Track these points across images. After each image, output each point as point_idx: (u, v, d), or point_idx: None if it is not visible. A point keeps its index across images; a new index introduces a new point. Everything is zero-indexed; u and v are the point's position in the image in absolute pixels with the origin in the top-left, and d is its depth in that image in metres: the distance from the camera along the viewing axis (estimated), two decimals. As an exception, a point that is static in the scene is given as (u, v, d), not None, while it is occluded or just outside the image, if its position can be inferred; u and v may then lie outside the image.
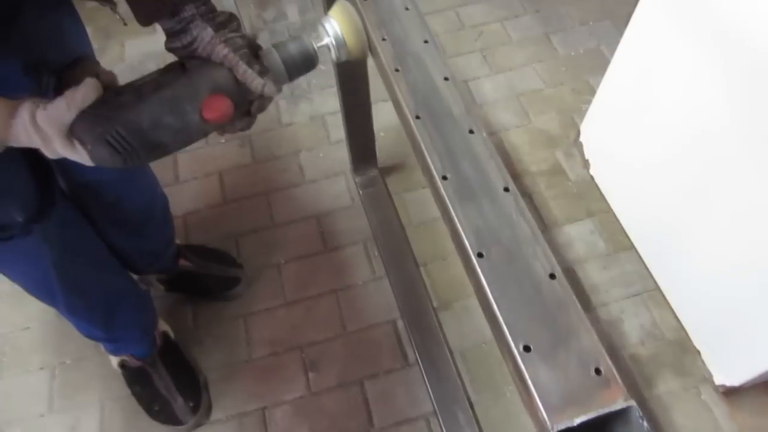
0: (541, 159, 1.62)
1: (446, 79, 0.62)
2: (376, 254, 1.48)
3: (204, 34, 0.59)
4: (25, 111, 0.56)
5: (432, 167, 0.56)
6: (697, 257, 1.20)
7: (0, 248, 0.92)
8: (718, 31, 0.97)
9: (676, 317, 1.33)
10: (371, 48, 0.67)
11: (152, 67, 1.88)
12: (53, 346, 1.39)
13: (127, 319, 1.19)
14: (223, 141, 1.69)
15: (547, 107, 1.73)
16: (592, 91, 1.72)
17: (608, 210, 1.49)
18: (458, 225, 0.52)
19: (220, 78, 0.59)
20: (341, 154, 1.62)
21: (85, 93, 0.57)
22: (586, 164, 1.55)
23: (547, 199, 1.54)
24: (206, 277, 1.40)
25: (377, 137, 1.52)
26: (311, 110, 1.78)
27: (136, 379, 1.29)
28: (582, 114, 1.59)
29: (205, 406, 1.28)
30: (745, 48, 0.92)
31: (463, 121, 0.59)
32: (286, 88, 0.65)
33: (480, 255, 0.50)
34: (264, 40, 1.99)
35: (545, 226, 1.50)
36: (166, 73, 0.60)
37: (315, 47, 0.61)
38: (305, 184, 1.63)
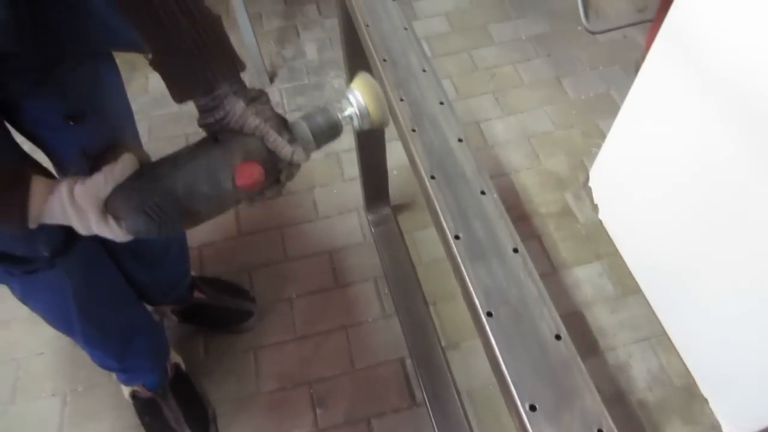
0: (550, 201, 1.65)
1: (460, 140, 0.65)
2: (387, 292, 1.50)
3: (236, 108, 0.63)
4: (63, 186, 0.59)
5: (445, 226, 0.59)
6: (704, 302, 1.22)
7: (24, 280, 0.96)
8: (725, 81, 1.00)
9: (683, 363, 1.34)
10: (390, 109, 0.71)
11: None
12: (66, 373, 1.42)
13: (140, 350, 1.22)
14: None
15: (557, 149, 1.77)
16: (602, 135, 1.76)
17: (616, 253, 1.51)
18: (469, 284, 0.55)
19: (251, 146, 0.62)
20: (355, 191, 1.66)
21: (122, 168, 0.60)
22: (595, 208, 1.57)
23: (556, 240, 1.56)
24: (219, 309, 1.43)
25: (390, 176, 1.56)
26: (326, 147, 1.81)
27: (147, 410, 1.31)
28: (591, 157, 1.62)
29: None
30: (752, 96, 0.95)
31: (475, 182, 0.62)
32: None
33: (489, 314, 0.53)
34: (283, 77, 2.05)
35: (554, 268, 1.52)
36: (200, 145, 0.63)
37: (340, 117, 0.65)
38: (319, 220, 1.66)
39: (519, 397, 0.49)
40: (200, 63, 0.65)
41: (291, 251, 1.60)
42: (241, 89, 0.64)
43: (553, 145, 1.78)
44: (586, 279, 1.50)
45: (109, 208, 0.59)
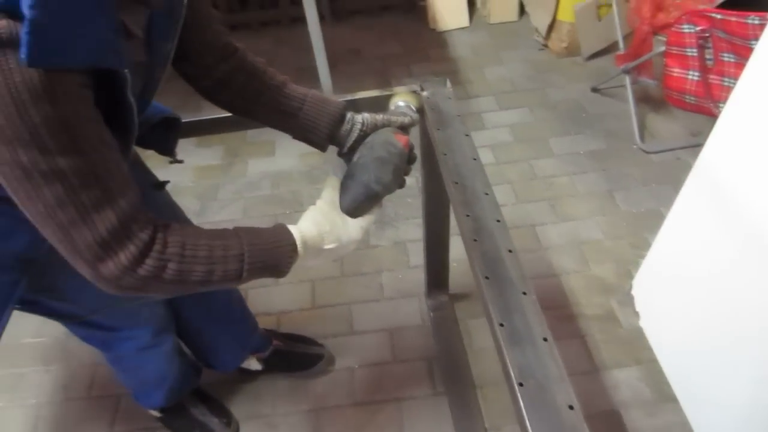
0: (596, 304, 1.80)
1: (510, 251, 0.86)
2: (438, 372, 1.66)
3: (362, 116, 0.97)
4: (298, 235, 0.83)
5: (492, 315, 0.78)
6: (740, 418, 1.31)
7: (116, 349, 1.25)
8: (754, 211, 1.16)
9: (714, 472, 1.42)
10: (457, 222, 0.93)
11: (267, 184, 2.26)
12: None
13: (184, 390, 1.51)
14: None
15: (606, 257, 1.93)
16: (649, 248, 1.91)
17: (655, 360, 1.62)
18: (507, 361, 0.73)
19: (391, 128, 0.98)
20: (418, 278, 1.87)
21: (332, 187, 0.92)
22: (636, 315, 1.71)
23: (599, 342, 1.70)
24: (296, 354, 1.67)
25: (450, 267, 1.76)
26: (396, 236, 2.06)
27: (175, 415, 1.53)
28: (638, 267, 1.77)
29: (235, 423, 1.56)
30: None
31: (518, 285, 0.81)
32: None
33: (520, 384, 0.71)
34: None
35: (594, 368, 1.65)
36: (362, 150, 0.94)
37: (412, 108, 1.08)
38: (383, 301, 1.87)
39: (538, 449, 0.66)
40: (319, 105, 0.98)
41: (357, 326, 1.81)
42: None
43: (602, 253, 1.95)
44: (624, 381, 1.61)
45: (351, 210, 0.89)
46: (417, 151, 1.02)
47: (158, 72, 0.83)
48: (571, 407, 0.69)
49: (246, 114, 1.00)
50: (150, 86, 0.83)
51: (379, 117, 0.99)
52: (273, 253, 0.79)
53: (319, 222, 0.86)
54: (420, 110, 1.14)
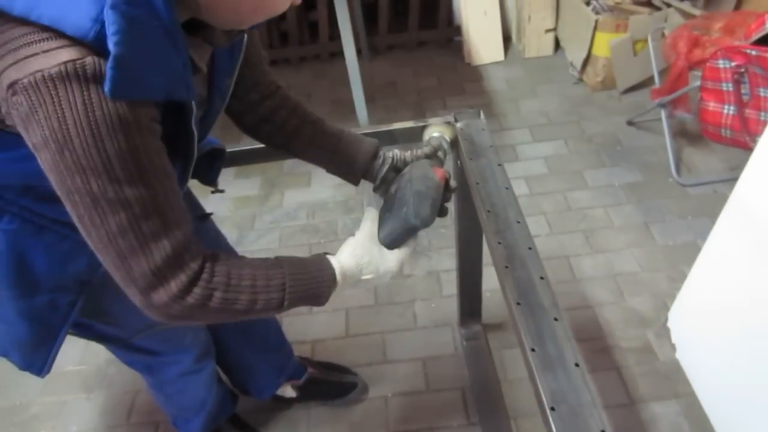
0: (632, 337, 1.78)
1: (542, 278, 0.88)
2: (472, 402, 1.66)
3: (393, 152, 1.05)
4: (338, 267, 0.86)
5: (524, 341, 0.80)
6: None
7: (158, 372, 1.29)
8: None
9: None
10: (490, 250, 0.96)
11: (303, 214, 2.32)
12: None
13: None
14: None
15: (642, 289, 1.91)
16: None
17: (693, 394, 1.59)
18: (539, 385, 0.75)
19: (428, 161, 1.03)
20: (451, 307, 1.88)
21: (372, 218, 0.94)
22: (673, 348, 1.69)
23: (636, 375, 1.68)
24: (330, 383, 1.69)
25: (484, 297, 1.77)
26: (429, 266, 2.08)
27: None
28: (675, 300, 1.75)
29: None
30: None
31: (551, 311, 0.83)
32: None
33: (552, 409, 0.72)
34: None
35: (631, 400, 1.62)
36: (400, 185, 0.97)
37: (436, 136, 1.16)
38: (417, 329, 1.89)
39: (569, 472, 0.67)
40: (355, 142, 1.04)
41: (390, 354, 1.82)
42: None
43: (638, 285, 1.93)
44: (663, 416, 1.58)
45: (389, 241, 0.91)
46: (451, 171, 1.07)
47: (217, 105, 0.89)
48: (603, 431, 0.70)
49: (285, 148, 1.06)
50: (209, 118, 0.89)
51: (408, 153, 1.06)
52: (313, 283, 0.82)
53: (358, 254, 0.88)
54: (454, 142, 1.19)
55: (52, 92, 0.57)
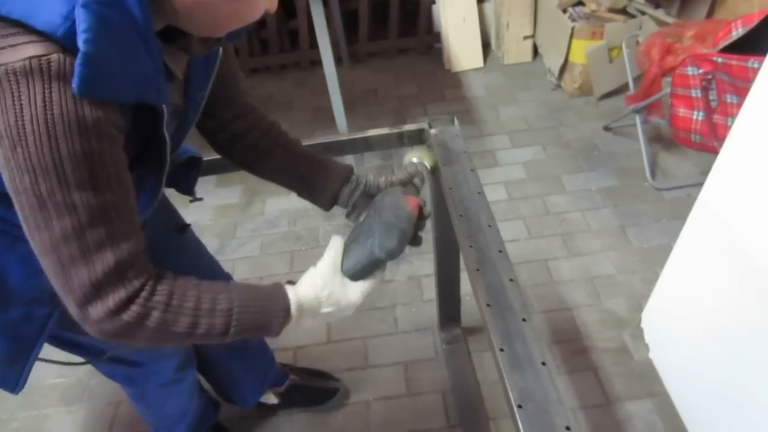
0: (608, 338, 1.81)
1: (511, 280, 0.90)
2: (452, 405, 1.68)
3: (367, 178, 1.05)
4: (294, 299, 0.82)
5: (493, 341, 0.82)
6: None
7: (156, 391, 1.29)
8: (755, 246, 1.20)
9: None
10: (462, 253, 0.98)
11: (285, 222, 2.33)
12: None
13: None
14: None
15: (618, 291, 1.95)
16: (660, 282, 1.92)
17: (665, 393, 1.63)
18: (507, 384, 0.77)
19: (401, 189, 0.99)
20: (431, 311, 1.90)
21: (336, 247, 0.90)
22: (646, 347, 1.72)
23: (612, 375, 1.71)
24: (312, 388, 1.70)
25: (463, 300, 1.79)
26: (410, 271, 2.10)
27: None
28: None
29: None
30: None
31: (519, 312, 0.86)
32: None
33: (519, 406, 0.75)
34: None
35: (608, 400, 1.65)
36: (370, 213, 0.95)
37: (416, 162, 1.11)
38: (398, 334, 1.91)
39: (535, 467, 0.69)
40: (326, 168, 1.04)
41: (372, 359, 1.84)
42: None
43: (614, 287, 1.97)
44: (637, 414, 1.62)
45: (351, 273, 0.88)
46: (428, 197, 1.07)
47: (192, 115, 0.90)
48: (568, 428, 0.72)
49: (255, 170, 1.07)
50: (183, 128, 0.90)
51: (382, 179, 1.05)
52: (264, 313, 0.79)
53: (318, 285, 0.84)
54: (434, 169, 1.15)
55: (13, 87, 0.56)
